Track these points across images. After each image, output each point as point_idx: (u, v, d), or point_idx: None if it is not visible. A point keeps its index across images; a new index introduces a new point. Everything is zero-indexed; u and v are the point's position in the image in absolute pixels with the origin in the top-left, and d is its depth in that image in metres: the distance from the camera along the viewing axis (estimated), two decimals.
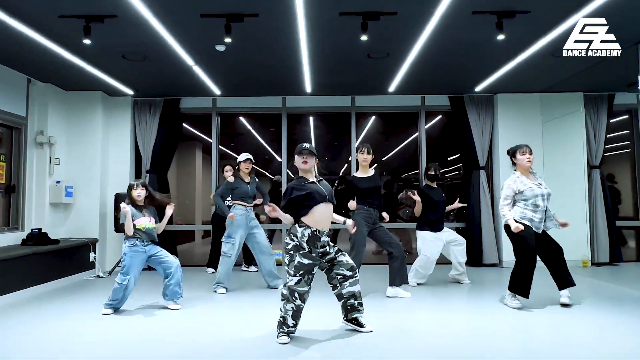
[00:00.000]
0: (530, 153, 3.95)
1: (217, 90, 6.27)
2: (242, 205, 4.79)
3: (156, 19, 3.92)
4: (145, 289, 4.90)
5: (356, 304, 3.20)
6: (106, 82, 5.82)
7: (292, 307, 2.97)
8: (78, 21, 3.90)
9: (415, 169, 7.15)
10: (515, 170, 4.01)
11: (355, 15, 3.88)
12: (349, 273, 3.15)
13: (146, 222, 3.85)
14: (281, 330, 3.03)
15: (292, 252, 3.00)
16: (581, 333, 3.29)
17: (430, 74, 5.67)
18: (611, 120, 6.79)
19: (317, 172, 3.20)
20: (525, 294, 3.81)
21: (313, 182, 3.10)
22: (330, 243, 3.15)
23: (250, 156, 4.96)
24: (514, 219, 3.84)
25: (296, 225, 3.02)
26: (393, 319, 3.65)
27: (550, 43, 4.52)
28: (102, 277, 5.82)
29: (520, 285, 3.82)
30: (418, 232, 4.96)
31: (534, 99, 6.58)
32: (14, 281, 4.54)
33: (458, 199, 5.27)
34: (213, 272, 5.93)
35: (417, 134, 7.00)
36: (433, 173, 5.00)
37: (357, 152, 4.42)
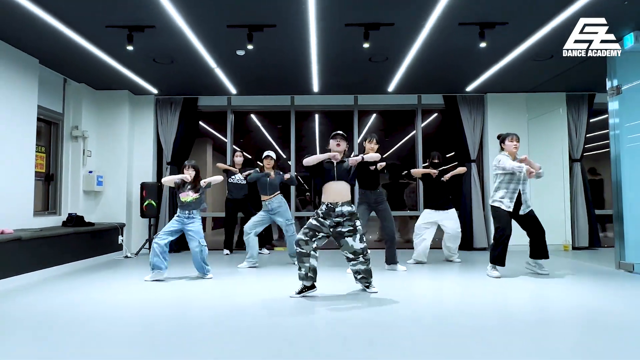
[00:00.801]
0: (518, 140, 4.57)
1: (233, 90, 6.93)
2: (262, 196, 5.52)
3: (189, 28, 4.57)
4: (183, 266, 5.57)
5: (360, 278, 3.82)
6: (133, 82, 6.49)
7: (298, 253, 3.65)
8: (122, 31, 4.56)
9: (413, 165, 7.76)
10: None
11: (358, 26, 4.53)
12: (351, 256, 3.73)
13: (188, 195, 4.57)
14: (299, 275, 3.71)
15: (310, 219, 3.73)
16: (549, 292, 3.94)
17: (425, 76, 6.32)
18: (593, 120, 7.43)
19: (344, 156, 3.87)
20: (502, 263, 4.50)
21: (330, 163, 3.78)
22: (352, 218, 3.67)
23: (270, 153, 5.62)
24: (496, 200, 4.56)
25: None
26: (393, 284, 4.31)
27: (528, 49, 5.16)
28: (129, 257, 6.48)
29: (496, 256, 4.51)
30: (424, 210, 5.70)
31: (521, 98, 7.22)
32: (60, 256, 5.20)
33: (458, 167, 5.79)
34: (228, 254, 6.60)
35: (414, 131, 7.65)
36: (438, 161, 5.60)
37: (365, 142, 4.97)
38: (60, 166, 6.32)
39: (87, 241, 5.80)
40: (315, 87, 6.85)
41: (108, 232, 6.37)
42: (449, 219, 5.56)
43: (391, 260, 5.00)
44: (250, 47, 4.65)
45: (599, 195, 7.93)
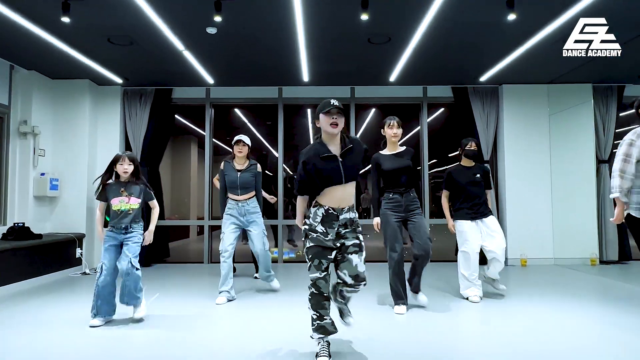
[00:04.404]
0: None
1: (210, 79, 6.00)
2: (232, 198, 4.15)
3: None
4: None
5: (344, 309, 2.74)
6: (93, 70, 5.55)
7: (309, 297, 2.56)
8: None
9: (417, 165, 6.88)
10: None
11: None
12: (350, 281, 2.55)
13: (124, 202, 3.36)
14: (312, 326, 2.58)
15: (303, 239, 2.60)
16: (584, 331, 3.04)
17: (433, 62, 5.39)
18: (621, 114, 6.53)
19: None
20: None
21: (333, 157, 2.53)
22: (356, 229, 2.59)
23: (242, 137, 4.18)
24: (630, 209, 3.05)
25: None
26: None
27: (561, 27, 4.25)
28: (88, 273, 5.54)
29: None
30: (455, 222, 4.09)
31: (541, 90, 6.32)
32: None
33: None
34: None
35: (418, 127, 6.74)
36: (473, 148, 4.09)
37: (385, 127, 3.68)
38: (5, 167, 5.37)
39: (34, 257, 4.87)
40: (306, 77, 5.92)
41: (63, 244, 5.44)
42: (494, 232, 3.95)
43: (414, 287, 3.70)
44: (218, 18, 3.72)
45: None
